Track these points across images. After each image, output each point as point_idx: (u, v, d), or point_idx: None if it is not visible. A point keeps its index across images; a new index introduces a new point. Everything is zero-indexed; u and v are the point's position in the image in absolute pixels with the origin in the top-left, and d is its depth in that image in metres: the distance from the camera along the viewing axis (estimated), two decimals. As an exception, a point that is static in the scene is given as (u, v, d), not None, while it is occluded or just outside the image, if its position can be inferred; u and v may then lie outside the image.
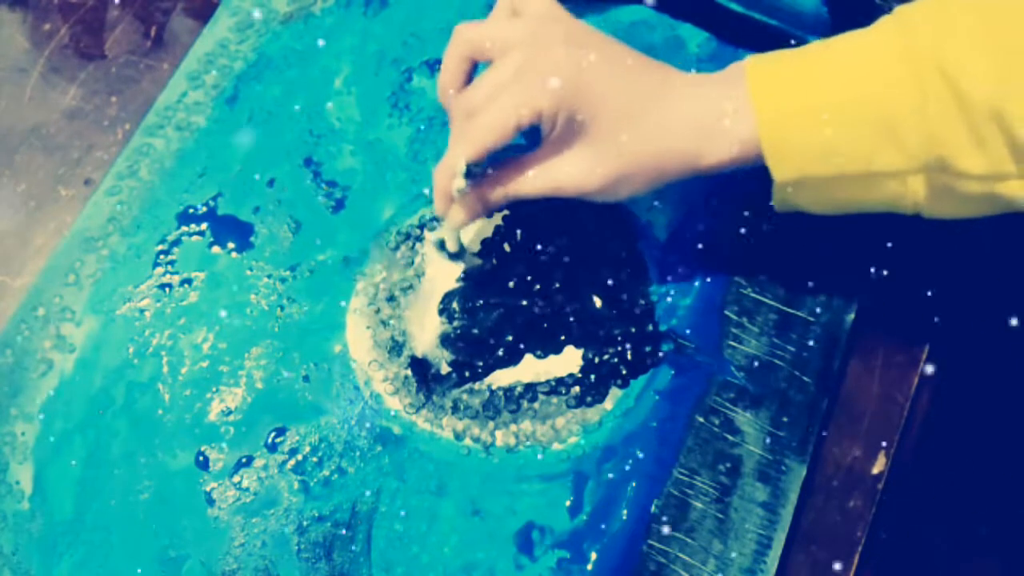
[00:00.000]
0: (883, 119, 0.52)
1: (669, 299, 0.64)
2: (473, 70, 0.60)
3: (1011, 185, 0.51)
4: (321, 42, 0.71)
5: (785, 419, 0.61)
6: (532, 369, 0.63)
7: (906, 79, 0.51)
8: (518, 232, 0.65)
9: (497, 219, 0.66)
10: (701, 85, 0.57)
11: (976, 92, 0.49)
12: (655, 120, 0.56)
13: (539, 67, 0.55)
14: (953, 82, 0.50)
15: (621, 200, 0.59)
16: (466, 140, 0.56)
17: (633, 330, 0.63)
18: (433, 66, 0.71)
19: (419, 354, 0.63)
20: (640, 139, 0.56)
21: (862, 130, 0.52)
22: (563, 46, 0.56)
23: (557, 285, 0.63)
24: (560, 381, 0.62)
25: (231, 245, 0.66)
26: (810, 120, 0.53)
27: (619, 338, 0.63)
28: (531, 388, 0.62)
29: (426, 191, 0.68)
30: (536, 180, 0.58)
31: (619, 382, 0.62)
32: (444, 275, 0.65)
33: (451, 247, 0.62)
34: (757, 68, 0.55)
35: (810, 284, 0.64)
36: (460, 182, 0.57)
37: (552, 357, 0.63)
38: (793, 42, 0.66)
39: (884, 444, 0.62)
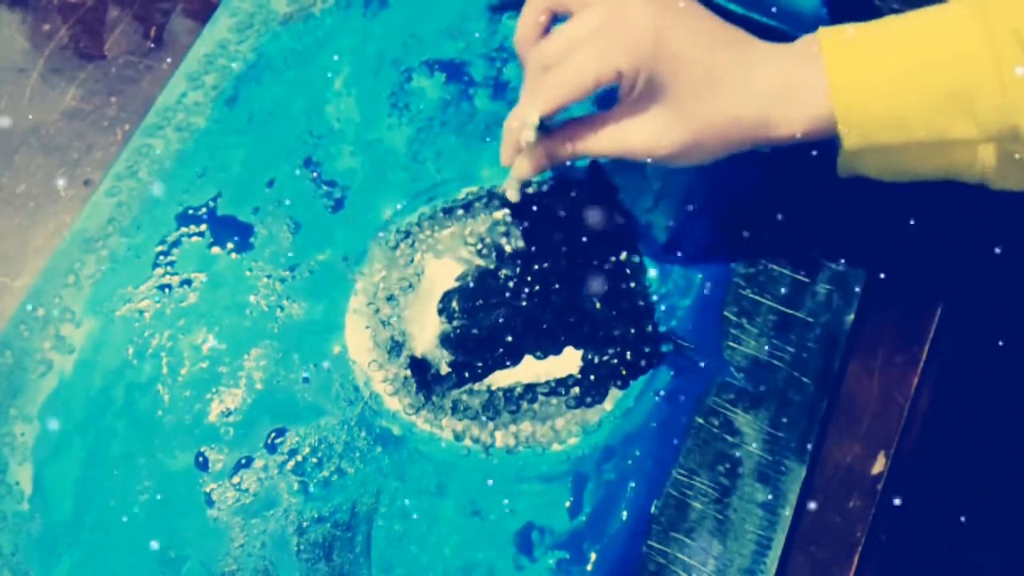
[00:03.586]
0: (957, 89, 0.52)
1: (669, 300, 0.64)
2: (551, 22, 0.59)
3: None
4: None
5: (784, 420, 0.61)
6: (532, 370, 0.63)
7: (980, 49, 0.51)
8: (518, 232, 0.65)
9: (498, 218, 0.66)
10: (777, 55, 0.56)
11: None
12: (733, 87, 0.56)
13: (622, 26, 0.55)
14: None
15: (684, 166, 0.58)
16: (541, 93, 0.56)
17: (633, 331, 0.63)
18: (433, 67, 0.71)
19: (419, 354, 0.63)
20: (717, 105, 0.56)
21: (935, 99, 0.52)
22: (647, 5, 0.55)
23: (557, 286, 0.63)
24: (560, 382, 0.62)
25: (231, 246, 0.66)
26: (883, 90, 0.53)
27: (619, 339, 0.63)
28: (531, 389, 0.62)
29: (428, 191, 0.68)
30: (607, 140, 0.58)
31: (619, 383, 0.62)
32: (444, 275, 0.65)
33: (512, 197, 0.62)
34: (831, 39, 0.55)
35: (809, 285, 0.64)
36: (530, 134, 0.56)
37: (552, 358, 0.63)
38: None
39: (884, 444, 0.62)
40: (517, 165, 0.60)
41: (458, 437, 0.62)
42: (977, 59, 0.51)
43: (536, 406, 0.62)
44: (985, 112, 0.52)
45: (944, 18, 0.54)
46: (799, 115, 0.55)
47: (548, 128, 0.58)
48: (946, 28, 0.53)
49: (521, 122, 0.57)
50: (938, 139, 0.53)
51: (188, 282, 0.66)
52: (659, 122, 0.56)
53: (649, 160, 0.58)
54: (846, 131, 0.54)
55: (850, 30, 0.55)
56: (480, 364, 0.63)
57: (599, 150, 0.58)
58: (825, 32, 0.56)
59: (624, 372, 0.62)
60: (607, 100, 0.57)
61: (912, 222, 0.63)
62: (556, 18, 0.59)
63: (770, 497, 0.60)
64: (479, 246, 0.65)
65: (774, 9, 0.69)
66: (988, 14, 0.52)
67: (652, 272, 0.65)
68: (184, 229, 0.67)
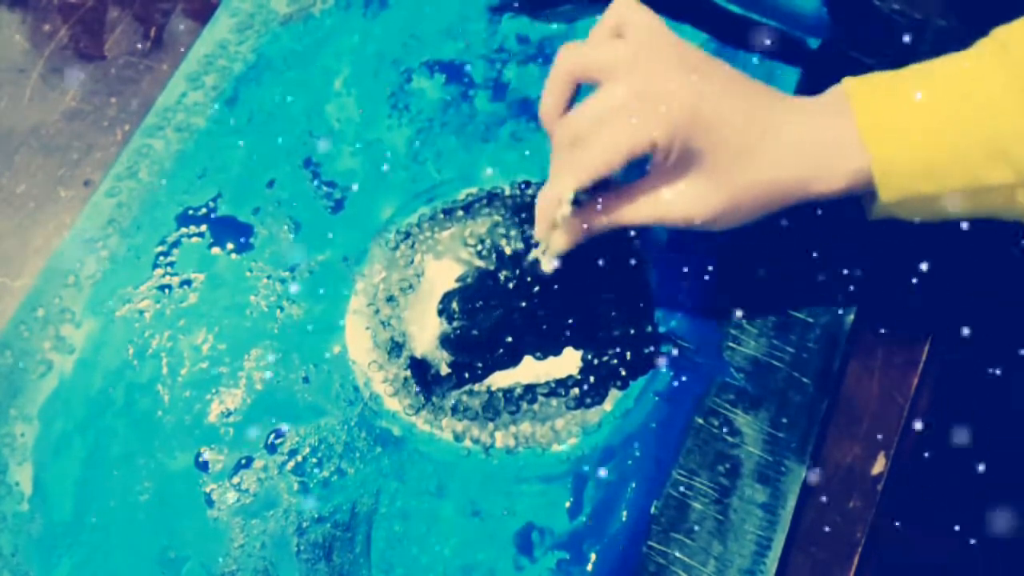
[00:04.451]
0: (990, 135, 0.52)
1: (668, 300, 0.64)
2: (577, 93, 0.58)
3: None
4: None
5: (784, 420, 0.61)
6: (531, 370, 0.63)
7: (1007, 94, 0.51)
8: (518, 234, 0.65)
9: (496, 219, 0.66)
10: (809, 113, 0.56)
11: None
12: (769, 149, 0.55)
13: (653, 94, 0.54)
14: None
15: (722, 229, 0.57)
16: (575, 168, 0.55)
17: (632, 331, 0.63)
18: (433, 67, 0.71)
19: (418, 355, 0.63)
20: (755, 169, 0.55)
21: (970, 148, 0.52)
22: (677, 71, 0.55)
23: (556, 287, 0.63)
24: (559, 382, 0.62)
25: (231, 246, 0.66)
26: (916, 142, 0.53)
27: (618, 339, 0.63)
28: (530, 389, 0.62)
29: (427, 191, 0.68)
30: (643, 209, 0.57)
31: (618, 383, 0.62)
32: (444, 276, 0.65)
33: (547, 269, 0.61)
34: (861, 95, 0.55)
35: (809, 285, 0.64)
36: (566, 209, 0.56)
37: (551, 358, 0.63)
38: (806, 45, 0.66)
39: (884, 445, 0.62)
40: (554, 241, 0.59)
41: (458, 438, 0.62)
42: (1005, 105, 0.51)
43: (536, 407, 0.62)
44: (1021, 157, 0.51)
45: (967, 65, 0.53)
46: (836, 172, 0.55)
47: (583, 202, 0.57)
48: (970, 76, 0.53)
49: (555, 198, 0.56)
50: (975, 186, 0.53)
51: (188, 282, 0.66)
52: (696, 189, 0.55)
53: (686, 227, 0.57)
54: (883, 184, 0.54)
55: (877, 81, 0.55)
56: (480, 365, 0.63)
57: (636, 219, 0.57)
58: (852, 84, 0.55)
59: (624, 373, 0.62)
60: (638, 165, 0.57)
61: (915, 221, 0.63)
62: (581, 88, 0.58)
63: (770, 497, 0.60)
64: (479, 247, 0.65)
65: (774, 10, 0.69)
66: (1010, 56, 0.52)
67: (651, 273, 0.65)
68: (184, 229, 0.67)
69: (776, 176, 0.55)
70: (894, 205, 0.55)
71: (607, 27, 0.58)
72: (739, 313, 0.64)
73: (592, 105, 0.55)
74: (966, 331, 0.63)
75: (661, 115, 0.53)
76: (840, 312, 0.63)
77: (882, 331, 0.64)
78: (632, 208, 0.57)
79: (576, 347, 0.63)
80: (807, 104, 0.57)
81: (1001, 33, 0.54)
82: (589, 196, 0.57)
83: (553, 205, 0.57)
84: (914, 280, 0.64)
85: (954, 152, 0.53)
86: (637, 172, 0.57)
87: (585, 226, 0.58)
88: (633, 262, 0.65)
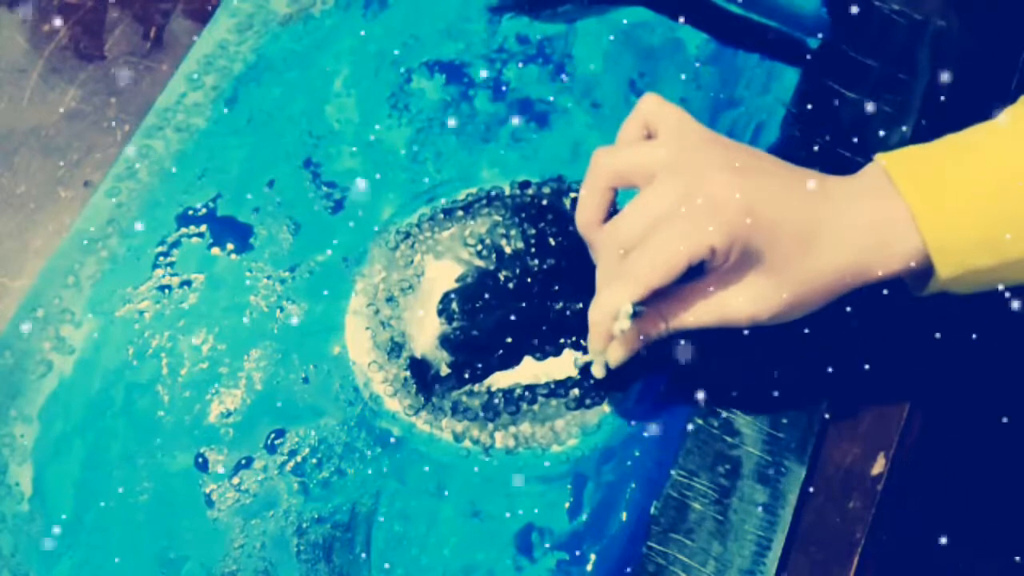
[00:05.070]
0: None
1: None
2: (615, 199, 0.57)
3: None
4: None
5: (784, 420, 0.61)
6: (531, 371, 0.63)
7: None
8: (518, 234, 0.65)
9: (496, 219, 0.66)
10: (857, 197, 0.55)
11: None
12: (826, 240, 0.54)
13: (706, 199, 0.52)
14: None
15: (785, 321, 0.56)
16: (630, 280, 0.53)
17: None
18: (433, 68, 0.71)
19: (418, 355, 0.63)
20: (816, 262, 0.54)
21: (1020, 217, 0.52)
22: (724, 172, 0.53)
23: (556, 287, 0.63)
24: (559, 383, 0.62)
25: (230, 246, 0.66)
26: (971, 219, 0.53)
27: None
28: (530, 390, 0.62)
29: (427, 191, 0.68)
30: (703, 313, 0.55)
31: (618, 384, 0.62)
32: (444, 275, 0.65)
33: (599, 374, 0.60)
34: (902, 174, 0.54)
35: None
36: (624, 324, 0.54)
37: (551, 359, 0.63)
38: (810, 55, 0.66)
39: (884, 445, 0.62)
40: (612, 353, 0.58)
41: (458, 438, 0.62)
42: None
43: (536, 407, 0.62)
44: None
45: (1012, 136, 0.53)
46: (895, 255, 0.54)
47: (639, 312, 0.55)
48: (1011, 140, 0.53)
49: (610, 313, 0.54)
50: None
51: (188, 283, 0.66)
52: (758, 288, 0.54)
53: (750, 326, 0.56)
54: (940, 262, 0.53)
55: (914, 156, 0.55)
56: (480, 365, 0.63)
57: (696, 324, 0.56)
58: (890, 163, 0.55)
59: (623, 373, 0.62)
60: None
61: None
62: (617, 194, 0.57)
63: (770, 498, 0.60)
64: (479, 247, 0.65)
65: (774, 10, 0.69)
66: None
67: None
68: (184, 230, 0.67)
69: (836, 265, 0.54)
70: (952, 281, 0.54)
71: (637, 126, 0.56)
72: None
73: (640, 211, 0.54)
74: (967, 331, 0.63)
75: (718, 220, 0.52)
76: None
77: (881, 331, 0.64)
78: (692, 312, 0.56)
79: (576, 348, 0.63)
80: (851, 186, 0.56)
81: None
82: (644, 305, 0.55)
83: (608, 319, 0.55)
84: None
85: (1010, 223, 0.52)
86: (690, 274, 0.55)
87: (643, 336, 0.57)
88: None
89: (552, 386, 0.62)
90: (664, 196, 0.53)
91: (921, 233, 0.53)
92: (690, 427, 0.61)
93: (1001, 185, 0.53)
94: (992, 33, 0.71)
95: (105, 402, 0.63)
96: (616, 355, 0.58)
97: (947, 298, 0.57)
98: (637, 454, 0.61)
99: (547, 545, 0.59)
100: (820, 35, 0.71)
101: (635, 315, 0.54)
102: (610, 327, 0.55)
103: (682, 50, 0.71)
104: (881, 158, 0.55)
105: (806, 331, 0.62)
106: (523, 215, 0.66)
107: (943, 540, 0.61)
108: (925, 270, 0.55)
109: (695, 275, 0.55)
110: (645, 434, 0.61)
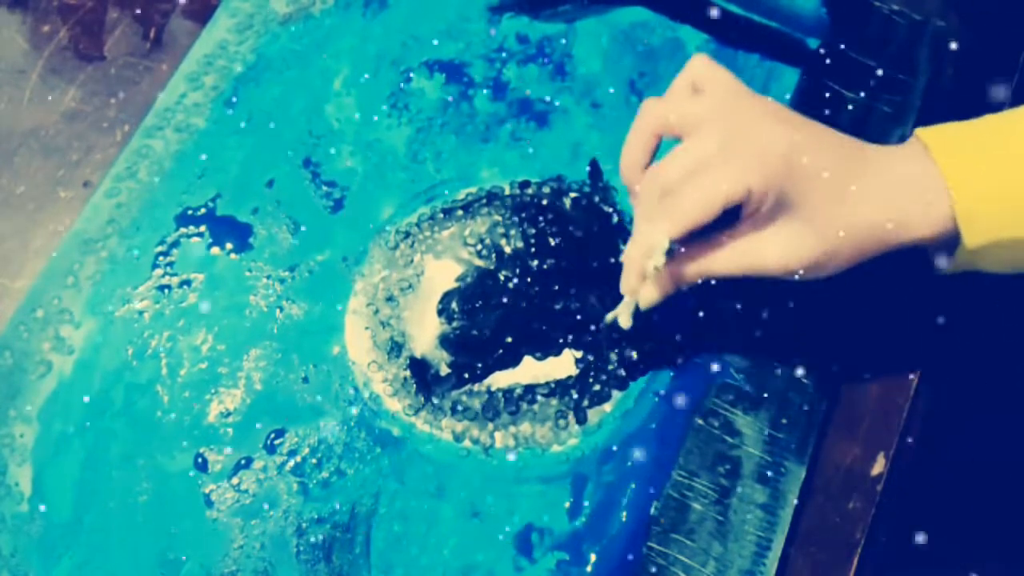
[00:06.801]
0: None
1: (668, 301, 0.64)
2: (658, 147, 0.58)
3: None
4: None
5: (784, 421, 0.61)
6: (531, 371, 0.63)
7: None
8: (517, 233, 0.65)
9: (496, 219, 0.66)
10: (895, 159, 0.56)
11: None
12: (862, 194, 0.55)
13: (749, 144, 0.54)
14: None
15: (813, 279, 0.57)
16: (669, 217, 0.54)
17: (632, 332, 0.63)
18: (432, 67, 0.71)
19: (418, 355, 0.63)
20: (851, 214, 0.55)
21: None
22: (765, 121, 0.54)
23: (556, 287, 0.63)
24: (559, 383, 0.62)
25: (230, 246, 0.66)
26: (1002, 190, 0.53)
27: (618, 340, 0.63)
28: (530, 390, 0.62)
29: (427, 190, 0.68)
30: (736, 258, 0.56)
31: (618, 384, 0.62)
32: (443, 275, 0.65)
33: (625, 323, 0.60)
34: (940, 144, 0.55)
35: (810, 285, 0.64)
36: (660, 260, 0.55)
37: (551, 359, 0.63)
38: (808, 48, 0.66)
39: (884, 445, 0.62)
40: (644, 294, 0.58)
41: (458, 438, 0.62)
42: None
43: (535, 407, 0.62)
44: None
45: None
46: (927, 217, 0.54)
47: (674, 252, 0.56)
48: None
49: (645, 250, 0.55)
50: None
51: (187, 283, 0.66)
52: (792, 237, 0.55)
53: (782, 276, 0.56)
54: (967, 229, 0.54)
55: (951, 130, 0.55)
56: (480, 365, 0.63)
57: (728, 270, 0.56)
58: (927, 135, 0.55)
59: (623, 373, 0.62)
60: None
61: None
62: (661, 142, 0.58)
63: (770, 498, 0.59)
64: (479, 247, 0.65)
65: (774, 10, 0.69)
66: None
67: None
68: (183, 230, 0.67)
69: (870, 220, 0.55)
70: (979, 251, 0.55)
71: (685, 83, 0.57)
72: (739, 312, 0.63)
73: (681, 156, 0.54)
74: (966, 331, 0.63)
75: (758, 164, 0.53)
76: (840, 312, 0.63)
77: (881, 332, 0.64)
78: (725, 257, 0.56)
79: (576, 348, 0.63)
80: (890, 151, 0.57)
81: None
82: (678, 248, 0.56)
83: (643, 257, 0.56)
84: (915, 280, 0.64)
85: None
86: (723, 224, 0.56)
87: (675, 278, 0.57)
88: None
89: (552, 386, 0.62)
90: (707, 141, 0.54)
91: (951, 197, 0.54)
92: (690, 427, 0.61)
93: None
94: (992, 33, 0.71)
95: (105, 402, 0.63)
96: (648, 296, 0.58)
97: (947, 298, 0.57)
98: (637, 454, 0.61)
99: (547, 545, 0.59)
100: (820, 35, 0.71)
101: (669, 252, 0.55)
102: (645, 265, 0.56)
103: (682, 50, 0.71)
104: (920, 131, 0.56)
105: (806, 331, 0.62)
106: (523, 215, 0.66)
107: (943, 540, 0.61)
108: (953, 240, 0.55)
109: (731, 222, 0.56)
110: (645, 434, 0.61)
